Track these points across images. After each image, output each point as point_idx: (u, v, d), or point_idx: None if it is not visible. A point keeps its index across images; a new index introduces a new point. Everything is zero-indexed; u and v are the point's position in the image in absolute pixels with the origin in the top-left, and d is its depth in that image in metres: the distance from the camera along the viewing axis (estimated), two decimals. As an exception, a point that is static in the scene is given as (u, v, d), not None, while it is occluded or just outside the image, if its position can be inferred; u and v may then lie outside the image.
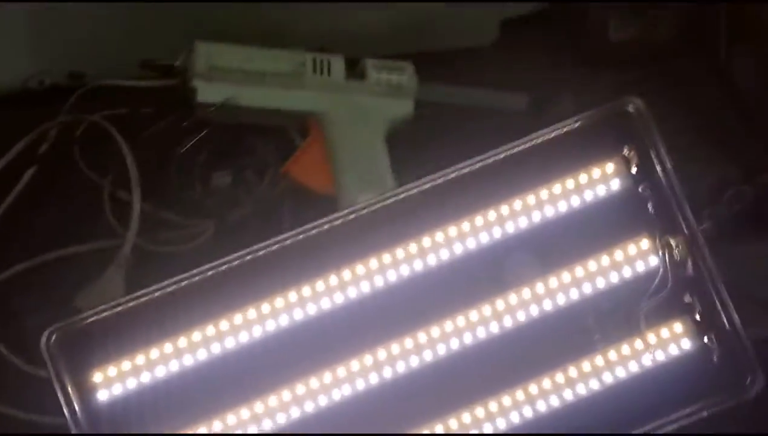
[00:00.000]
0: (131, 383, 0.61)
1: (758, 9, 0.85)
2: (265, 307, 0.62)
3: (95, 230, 0.84)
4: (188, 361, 0.61)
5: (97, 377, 0.61)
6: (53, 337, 0.60)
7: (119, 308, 0.61)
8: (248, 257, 0.62)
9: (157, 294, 0.61)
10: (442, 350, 0.62)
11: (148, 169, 0.84)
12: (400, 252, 0.63)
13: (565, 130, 0.62)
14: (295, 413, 0.61)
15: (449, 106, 0.83)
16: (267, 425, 0.61)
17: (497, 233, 0.63)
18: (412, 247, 0.63)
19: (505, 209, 0.63)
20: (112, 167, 0.86)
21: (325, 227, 0.62)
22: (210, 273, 0.62)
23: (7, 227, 0.85)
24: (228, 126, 0.83)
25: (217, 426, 0.61)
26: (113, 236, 0.83)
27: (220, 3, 0.88)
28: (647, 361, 0.62)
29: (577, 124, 0.62)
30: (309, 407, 0.62)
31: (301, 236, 0.62)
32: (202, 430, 0.61)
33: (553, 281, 0.63)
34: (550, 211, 0.63)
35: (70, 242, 0.84)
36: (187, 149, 0.84)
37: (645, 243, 0.62)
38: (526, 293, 0.63)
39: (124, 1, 0.86)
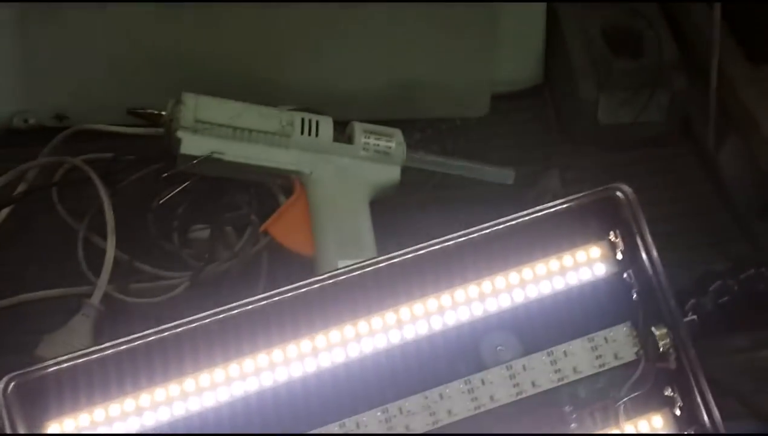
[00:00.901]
0: (86, 439, 0.59)
1: (744, 97, 0.87)
2: (233, 369, 0.60)
3: (66, 275, 0.83)
4: (149, 420, 0.59)
5: (53, 428, 0.58)
6: (11, 385, 0.57)
7: (82, 360, 0.58)
8: (221, 316, 0.60)
9: (122, 348, 0.59)
10: (418, 425, 0.60)
11: (126, 217, 0.83)
12: (376, 321, 0.61)
13: (552, 210, 0.61)
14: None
15: (436, 175, 0.83)
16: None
17: (477, 309, 0.62)
18: (390, 317, 0.61)
19: (487, 286, 0.62)
20: (89, 212, 0.85)
21: (302, 290, 0.61)
22: (179, 330, 0.59)
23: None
24: (210, 179, 0.82)
25: (173, 492, 0.58)
26: (84, 283, 0.81)
27: (212, 56, 0.88)
28: (624, 454, 0.60)
29: (564, 206, 0.61)
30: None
31: (276, 299, 0.60)
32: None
33: (531, 362, 0.61)
34: (532, 292, 0.62)
35: (39, 285, 0.82)
36: (166, 200, 0.83)
37: (627, 331, 0.61)
38: (503, 372, 0.61)
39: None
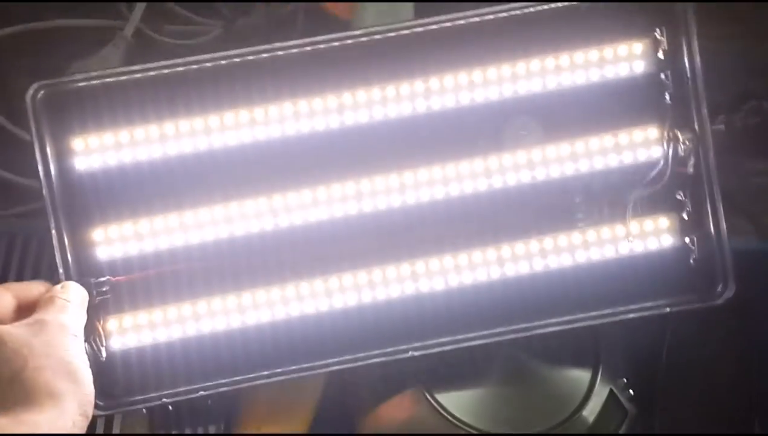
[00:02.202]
0: (111, 158, 0.60)
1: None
2: (259, 113, 0.60)
3: (102, 7, 0.82)
4: (171, 149, 0.60)
5: (77, 144, 0.60)
6: (40, 93, 0.58)
7: (111, 79, 0.59)
8: (250, 57, 0.60)
9: (152, 73, 0.59)
10: (425, 195, 0.61)
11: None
12: (405, 88, 0.61)
13: (602, -2, 0.59)
14: (268, 224, 0.61)
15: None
16: (238, 230, 0.61)
17: (507, 90, 0.61)
18: (418, 85, 0.61)
19: (521, 67, 0.61)
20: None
21: (335, 44, 0.60)
22: (209, 65, 0.60)
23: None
24: None
25: (188, 218, 0.60)
26: (118, 18, 0.81)
27: None
28: (624, 248, 0.62)
29: (616, -5, 0.59)
30: (283, 221, 0.61)
31: (308, 48, 0.60)
32: (173, 217, 0.60)
33: (550, 151, 0.61)
34: (566, 80, 0.61)
35: (73, 15, 0.82)
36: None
37: (652, 132, 0.61)
38: (521, 156, 0.61)
39: None
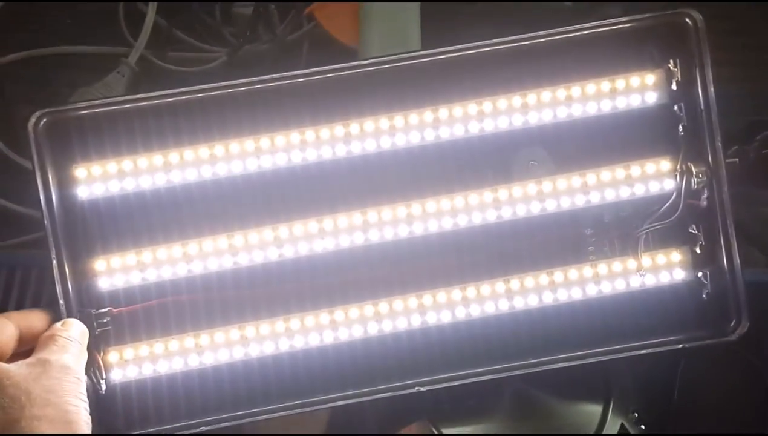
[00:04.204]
0: (114, 187, 0.59)
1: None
2: (265, 141, 0.60)
3: (104, 34, 0.82)
4: (176, 177, 0.59)
5: (80, 172, 0.59)
6: (42, 121, 0.58)
7: (114, 107, 0.58)
8: (257, 86, 0.59)
9: (155, 102, 0.58)
10: (433, 226, 0.60)
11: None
12: (413, 117, 0.60)
13: (613, 28, 0.58)
14: (273, 255, 0.60)
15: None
16: (242, 260, 0.60)
17: (518, 121, 0.60)
18: (427, 115, 0.60)
19: (531, 98, 0.60)
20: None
21: (343, 73, 0.59)
22: (214, 93, 0.59)
23: (13, 14, 0.82)
24: (260, -45, 0.79)
25: (192, 249, 0.59)
26: (123, 45, 0.80)
27: None
28: (635, 282, 0.61)
29: (627, 25, 0.58)
30: (288, 252, 0.60)
31: (315, 77, 0.59)
32: (177, 247, 0.59)
33: (561, 183, 0.60)
34: (577, 110, 0.60)
35: (76, 41, 0.81)
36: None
37: (665, 164, 0.60)
38: (531, 188, 0.60)
39: None
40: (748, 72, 0.76)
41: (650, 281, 0.61)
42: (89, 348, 0.56)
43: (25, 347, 0.54)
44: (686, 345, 0.59)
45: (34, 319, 0.55)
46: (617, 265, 0.61)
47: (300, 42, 0.80)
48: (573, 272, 0.61)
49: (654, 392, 0.68)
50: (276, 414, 0.59)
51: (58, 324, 0.55)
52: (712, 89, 0.57)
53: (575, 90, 0.60)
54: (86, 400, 0.51)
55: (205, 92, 0.59)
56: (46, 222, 0.57)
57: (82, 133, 0.59)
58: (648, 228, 0.60)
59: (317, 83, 0.59)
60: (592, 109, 0.60)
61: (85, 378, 0.53)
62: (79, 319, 0.57)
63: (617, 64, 0.60)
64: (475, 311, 0.61)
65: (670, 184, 0.60)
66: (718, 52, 0.58)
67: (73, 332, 0.54)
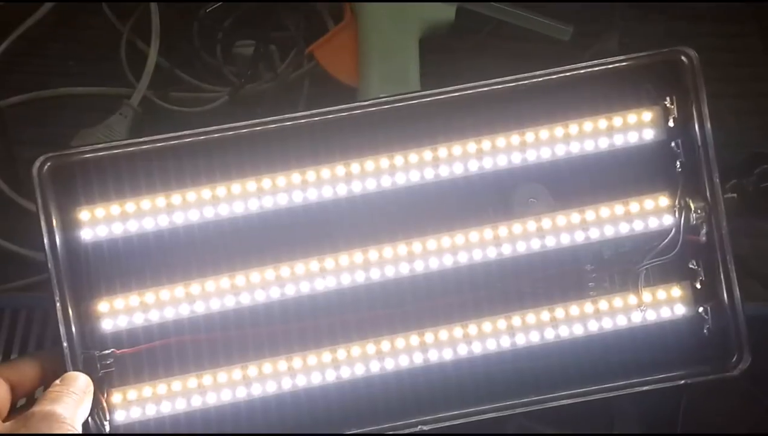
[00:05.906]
0: (117, 229, 0.60)
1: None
2: (266, 182, 0.60)
3: (106, 75, 0.82)
4: (178, 219, 0.60)
5: (83, 214, 0.59)
6: (46, 166, 0.58)
7: (117, 150, 0.59)
8: (258, 128, 0.60)
9: (158, 145, 0.59)
10: (434, 263, 0.61)
11: (172, 24, 0.81)
12: (413, 156, 0.61)
13: (609, 66, 0.59)
14: (275, 294, 0.60)
15: (492, 21, 0.79)
16: (244, 300, 0.60)
17: (516, 158, 0.61)
18: (426, 154, 0.61)
19: (530, 136, 0.60)
20: (134, 14, 0.83)
21: (343, 114, 0.60)
22: (216, 135, 0.59)
23: (15, 55, 0.83)
24: (261, -5, 0.80)
25: (194, 289, 0.60)
26: (124, 85, 0.81)
27: None
28: (636, 318, 0.61)
29: (623, 64, 0.59)
30: (290, 291, 0.60)
31: (316, 118, 0.60)
32: (179, 287, 0.60)
33: (560, 220, 0.61)
34: (575, 148, 0.60)
35: (78, 82, 0.82)
36: (213, 10, 0.81)
37: (663, 200, 0.60)
38: (530, 225, 0.61)
39: None
40: (747, 104, 0.76)
41: (651, 316, 0.61)
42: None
43: (24, 396, 0.54)
44: (688, 381, 0.59)
45: (24, 368, 0.55)
46: (618, 300, 0.61)
47: (301, 80, 0.80)
48: (574, 308, 0.61)
49: (657, 426, 0.68)
50: (279, 455, 0.59)
51: (57, 381, 0.55)
52: (709, 125, 0.58)
53: (573, 128, 0.60)
54: None
55: (207, 134, 0.59)
56: (50, 265, 0.58)
57: (85, 176, 0.59)
58: (648, 264, 0.60)
59: (318, 124, 0.60)
60: (589, 146, 0.60)
61: (77, 427, 0.52)
62: (83, 360, 0.58)
63: (614, 101, 0.61)
64: (477, 349, 0.61)
65: (669, 220, 0.60)
66: (718, 84, 0.59)
67: (69, 384, 0.55)
